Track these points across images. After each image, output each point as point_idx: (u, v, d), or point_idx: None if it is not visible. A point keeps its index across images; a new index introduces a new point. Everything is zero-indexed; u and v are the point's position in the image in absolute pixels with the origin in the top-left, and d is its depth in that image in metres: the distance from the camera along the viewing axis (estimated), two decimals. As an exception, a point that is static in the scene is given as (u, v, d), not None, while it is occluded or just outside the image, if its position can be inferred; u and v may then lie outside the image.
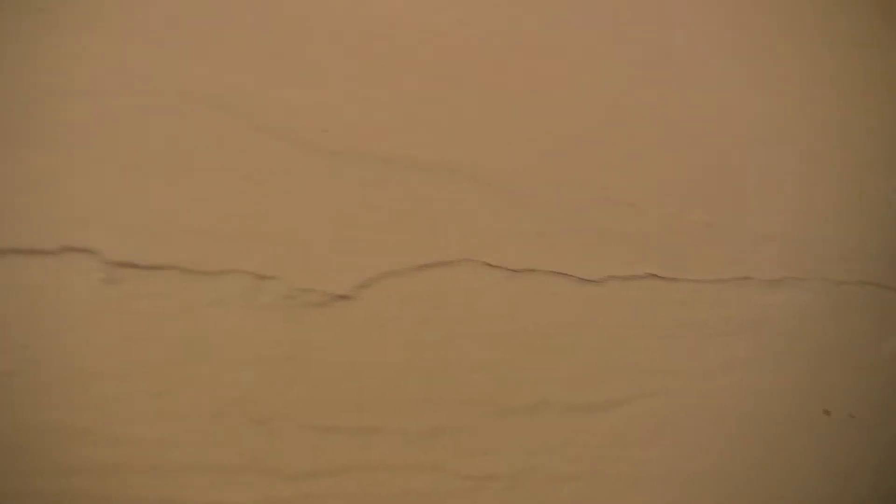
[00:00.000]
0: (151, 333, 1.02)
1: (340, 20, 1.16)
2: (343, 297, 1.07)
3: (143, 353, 1.02)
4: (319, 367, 1.06)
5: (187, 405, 1.02)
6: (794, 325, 1.22)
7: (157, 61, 1.11)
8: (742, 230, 1.24)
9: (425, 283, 1.10)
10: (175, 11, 1.11)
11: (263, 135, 1.10)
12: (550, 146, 1.17)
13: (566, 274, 1.14)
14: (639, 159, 1.21)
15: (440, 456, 1.06)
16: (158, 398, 1.02)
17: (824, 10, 1.42)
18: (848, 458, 1.20)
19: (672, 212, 1.20)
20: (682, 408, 1.15)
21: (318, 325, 1.06)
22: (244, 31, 1.11)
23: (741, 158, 1.27)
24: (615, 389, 1.13)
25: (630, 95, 1.24)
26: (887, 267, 1.28)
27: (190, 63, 1.11)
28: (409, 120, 1.14)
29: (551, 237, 1.15)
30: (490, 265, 1.12)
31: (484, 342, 1.10)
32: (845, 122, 1.35)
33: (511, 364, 1.10)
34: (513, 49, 1.21)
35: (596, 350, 1.13)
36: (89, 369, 1.01)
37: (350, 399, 1.05)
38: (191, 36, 1.10)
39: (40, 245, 1.03)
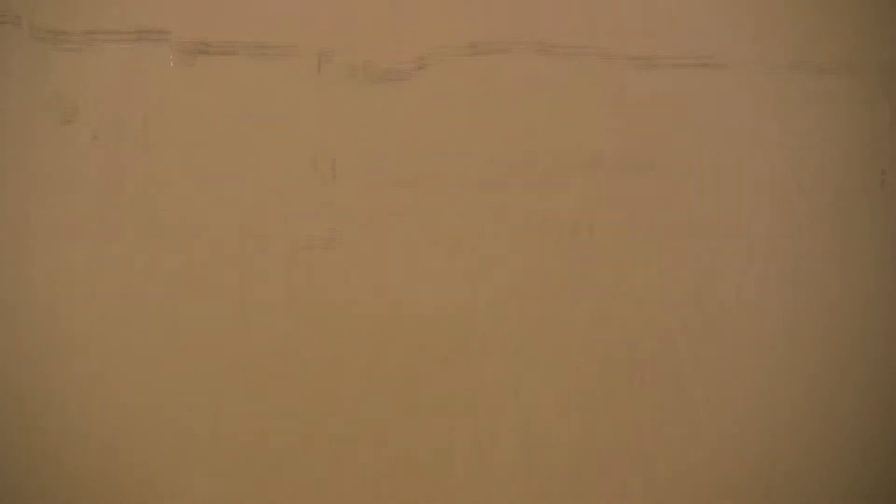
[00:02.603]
0: (222, 107, 1.12)
1: None
2: (401, 73, 1.15)
3: (216, 123, 1.12)
4: (383, 128, 1.13)
5: (256, 161, 1.11)
6: (847, 107, 1.25)
7: None
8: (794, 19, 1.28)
9: (477, 61, 1.17)
10: None
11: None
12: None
13: (615, 51, 1.20)
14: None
15: (506, 200, 1.12)
16: (234, 155, 1.11)
17: None
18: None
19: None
20: (733, 169, 1.19)
21: (379, 95, 1.15)
22: None
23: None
24: (665, 153, 1.18)
25: None
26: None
27: None
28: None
29: (601, 21, 1.21)
30: (539, 46, 1.19)
31: (537, 109, 1.17)
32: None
33: (563, 128, 1.16)
34: None
35: (644, 117, 1.19)
36: (166, 136, 1.10)
37: (415, 153, 1.12)
38: None
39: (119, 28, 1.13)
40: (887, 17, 1.24)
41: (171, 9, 1.13)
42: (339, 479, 1.06)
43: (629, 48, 1.19)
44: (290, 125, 1.11)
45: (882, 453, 1.13)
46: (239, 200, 1.08)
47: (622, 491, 1.10)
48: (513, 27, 1.18)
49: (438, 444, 1.08)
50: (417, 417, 1.09)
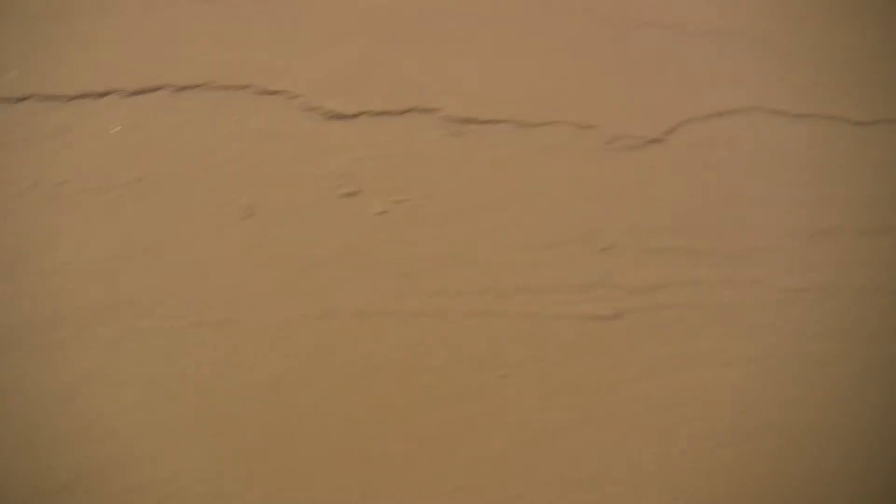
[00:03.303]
0: (494, 176, 1.16)
1: None
2: (654, 141, 1.20)
3: (491, 193, 1.16)
4: (645, 199, 1.18)
5: (540, 235, 1.15)
6: None
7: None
8: None
9: (721, 128, 1.23)
10: None
11: (568, 14, 1.24)
12: (816, 8, 1.31)
13: (841, 117, 1.26)
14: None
15: (758, 272, 1.18)
16: (513, 229, 1.15)
17: None
18: None
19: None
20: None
21: (637, 165, 1.19)
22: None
23: None
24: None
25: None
26: None
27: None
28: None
29: (825, 86, 1.27)
30: (774, 111, 1.25)
31: (780, 175, 1.22)
32: None
33: (806, 193, 1.22)
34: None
35: (874, 180, 1.25)
36: (449, 209, 1.14)
37: (676, 225, 1.18)
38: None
39: (391, 107, 1.16)
40: None
41: (440, 86, 1.16)
42: None
43: (853, 113, 1.25)
44: (558, 195, 1.15)
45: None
46: (517, 275, 1.12)
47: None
48: (749, 96, 1.23)
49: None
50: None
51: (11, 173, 1.09)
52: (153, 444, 1.02)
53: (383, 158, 1.14)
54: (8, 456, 1.01)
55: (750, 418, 1.14)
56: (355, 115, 1.15)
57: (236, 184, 1.11)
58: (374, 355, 1.07)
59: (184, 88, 1.14)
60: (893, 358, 1.19)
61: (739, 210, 1.20)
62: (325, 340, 1.07)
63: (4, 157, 1.09)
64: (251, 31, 1.17)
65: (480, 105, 1.17)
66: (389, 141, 1.15)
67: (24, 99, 1.13)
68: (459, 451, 1.08)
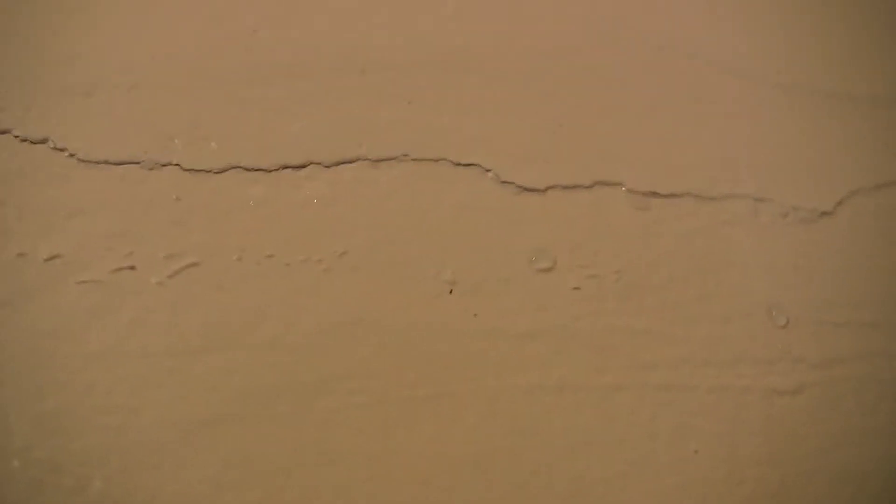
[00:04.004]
0: (678, 250, 1.20)
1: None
2: (825, 213, 1.25)
3: (677, 267, 1.20)
4: (817, 272, 1.23)
5: (724, 309, 1.20)
6: None
7: (629, 20, 1.29)
8: None
9: (888, 198, 1.28)
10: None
11: (737, 82, 1.28)
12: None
13: None
14: None
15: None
16: (698, 303, 1.19)
17: None
18: None
19: None
20: None
21: (809, 238, 1.24)
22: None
23: None
24: None
25: None
26: None
27: (651, 17, 1.30)
28: (842, 59, 1.33)
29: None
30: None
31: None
32: None
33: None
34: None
35: None
36: (639, 282, 1.18)
37: (848, 298, 1.23)
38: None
39: (577, 181, 1.20)
40: None
41: (621, 158, 1.20)
42: None
43: None
44: (739, 269, 1.20)
45: None
46: (706, 349, 1.17)
47: None
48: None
49: None
50: None
51: (217, 245, 1.12)
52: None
53: (574, 232, 1.18)
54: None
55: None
56: (545, 189, 1.18)
57: (437, 257, 1.15)
58: (574, 429, 1.12)
59: (381, 160, 1.17)
60: None
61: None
62: (530, 414, 1.11)
63: (209, 226, 1.12)
64: (441, 100, 1.19)
65: (661, 178, 1.21)
66: (579, 215, 1.19)
67: (225, 170, 1.15)
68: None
